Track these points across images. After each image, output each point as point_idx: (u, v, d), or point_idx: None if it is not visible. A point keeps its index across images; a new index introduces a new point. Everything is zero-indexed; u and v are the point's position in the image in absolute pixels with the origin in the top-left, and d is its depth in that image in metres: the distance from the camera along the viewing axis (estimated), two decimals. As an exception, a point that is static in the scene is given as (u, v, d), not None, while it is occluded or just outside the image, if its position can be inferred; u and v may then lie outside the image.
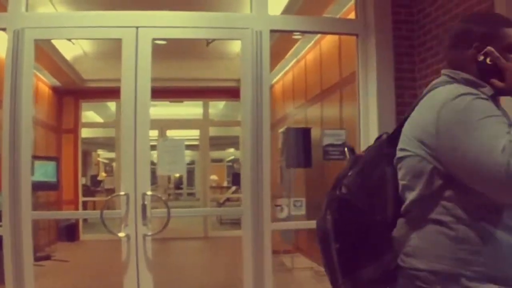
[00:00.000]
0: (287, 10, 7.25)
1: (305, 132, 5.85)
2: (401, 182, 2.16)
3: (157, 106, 14.30)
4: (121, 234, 4.81)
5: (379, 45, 5.42)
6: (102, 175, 24.44)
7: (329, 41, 8.80)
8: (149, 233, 4.86)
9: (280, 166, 7.88)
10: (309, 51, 10.10)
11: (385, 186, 2.19)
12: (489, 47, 2.14)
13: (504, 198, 1.94)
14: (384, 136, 2.32)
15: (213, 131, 17.00)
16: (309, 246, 9.74)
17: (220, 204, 18.57)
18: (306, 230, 8.68)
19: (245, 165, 5.08)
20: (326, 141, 5.52)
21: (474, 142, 1.88)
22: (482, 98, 2.00)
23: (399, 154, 2.16)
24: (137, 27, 5.01)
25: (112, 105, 15.83)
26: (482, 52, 2.15)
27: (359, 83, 5.56)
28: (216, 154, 26.85)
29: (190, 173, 28.51)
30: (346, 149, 2.42)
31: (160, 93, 11.10)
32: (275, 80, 12.48)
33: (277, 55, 10.21)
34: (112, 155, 24.16)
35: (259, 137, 5.07)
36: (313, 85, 9.85)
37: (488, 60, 2.14)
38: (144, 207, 4.85)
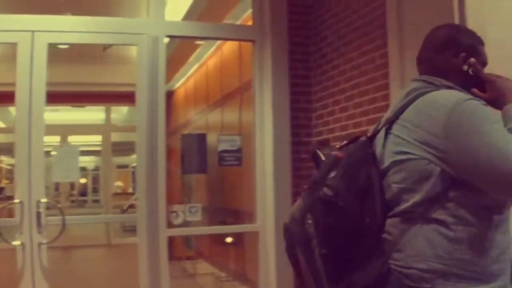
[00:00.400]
0: (188, 16, 7.22)
1: (201, 138, 5.84)
2: (397, 185, 2.11)
3: (59, 111, 14.01)
4: (16, 243, 4.69)
5: (275, 51, 5.50)
6: (4, 181, 23.77)
7: (230, 46, 8.79)
8: (44, 241, 4.76)
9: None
10: (211, 57, 10.07)
11: (372, 187, 2.11)
12: (472, 59, 2.25)
13: None
14: (365, 138, 2.27)
15: (118, 137, 16.74)
16: (212, 252, 9.73)
17: (123, 211, 18.26)
18: (209, 236, 8.69)
19: (141, 171, 5.06)
20: (222, 147, 5.55)
21: (490, 146, 1.90)
22: (484, 104, 2.06)
23: (396, 157, 2.12)
24: (32, 31, 4.92)
25: (14, 109, 15.34)
26: (467, 63, 2.24)
27: (255, 89, 5.63)
28: (121, 160, 26.48)
29: (95, 179, 28.09)
30: (317, 151, 2.27)
31: (61, 97, 10.92)
32: (177, 85, 12.41)
33: (179, 60, 10.16)
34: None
35: (154, 142, 5.06)
36: (214, 90, 9.84)
37: (470, 71, 2.24)
38: (38, 214, 4.75)
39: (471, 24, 3.35)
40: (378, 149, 2.21)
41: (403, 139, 2.10)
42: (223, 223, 8.12)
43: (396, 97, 2.37)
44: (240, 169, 6.23)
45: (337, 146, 2.26)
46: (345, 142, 2.29)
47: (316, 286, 2.08)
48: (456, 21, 3.45)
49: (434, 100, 2.08)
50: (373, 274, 2.06)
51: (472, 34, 2.38)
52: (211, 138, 5.86)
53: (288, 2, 5.62)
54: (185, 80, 12.05)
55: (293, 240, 2.15)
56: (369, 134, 2.29)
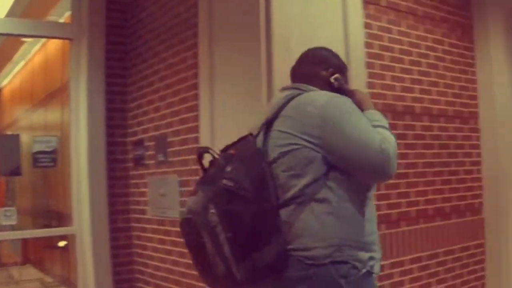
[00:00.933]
0: (12, 13, 6.96)
1: (14, 139, 5.67)
2: (285, 173, 2.40)
3: None
4: None
5: (92, 50, 5.41)
6: None
7: (54, 44, 8.55)
8: None
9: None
10: (36, 54, 9.78)
11: (266, 177, 2.38)
12: (338, 74, 2.70)
13: (379, 179, 2.53)
14: (251, 137, 2.54)
15: None
16: (40, 256, 9.45)
17: None
18: (37, 239, 8.42)
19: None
20: (37, 148, 5.41)
21: (360, 134, 2.34)
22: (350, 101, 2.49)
23: (281, 149, 2.42)
24: None
25: None
26: (334, 76, 2.68)
27: (71, 88, 5.53)
28: None
29: None
30: (210, 151, 2.47)
31: None
32: (3, 83, 11.99)
33: (5, 57, 9.81)
34: None
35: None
36: (39, 89, 9.57)
37: (336, 83, 2.67)
38: None
39: (275, 30, 3.41)
40: (259, 145, 2.52)
41: (285, 132, 2.43)
42: (49, 226, 7.92)
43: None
44: (63, 171, 6.08)
45: (227, 145, 2.52)
46: (232, 142, 2.55)
47: (225, 266, 2.26)
48: (262, 24, 3.51)
49: (309, 98, 2.47)
50: (273, 252, 2.31)
51: (340, 59, 2.84)
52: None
53: (107, 0, 5.53)
54: (11, 78, 11.63)
55: (197, 230, 2.30)
56: (254, 134, 2.57)
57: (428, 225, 4.57)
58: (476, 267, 4.93)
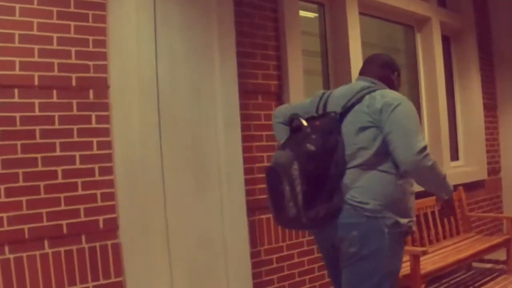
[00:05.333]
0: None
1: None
2: (355, 146, 3.05)
3: None
4: None
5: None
6: None
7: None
8: None
9: None
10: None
11: (338, 147, 3.02)
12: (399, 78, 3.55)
13: (402, 166, 2.99)
14: (334, 114, 3.11)
15: None
16: None
17: None
18: None
19: None
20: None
21: (411, 132, 2.98)
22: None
23: (358, 125, 3.05)
24: None
25: None
26: (397, 78, 3.51)
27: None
28: None
29: None
30: (301, 120, 3.07)
31: None
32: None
33: None
34: None
35: None
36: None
37: (397, 85, 3.50)
38: None
39: None
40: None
41: (364, 112, 3.07)
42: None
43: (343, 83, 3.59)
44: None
45: (312, 116, 3.20)
46: (317, 115, 3.25)
47: (296, 211, 2.91)
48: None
49: (384, 95, 3.10)
50: (333, 206, 2.99)
51: (398, 64, 3.61)
52: None
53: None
54: None
55: (281, 179, 2.92)
56: (339, 112, 3.16)
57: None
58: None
